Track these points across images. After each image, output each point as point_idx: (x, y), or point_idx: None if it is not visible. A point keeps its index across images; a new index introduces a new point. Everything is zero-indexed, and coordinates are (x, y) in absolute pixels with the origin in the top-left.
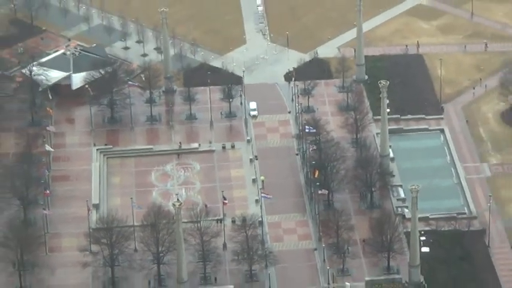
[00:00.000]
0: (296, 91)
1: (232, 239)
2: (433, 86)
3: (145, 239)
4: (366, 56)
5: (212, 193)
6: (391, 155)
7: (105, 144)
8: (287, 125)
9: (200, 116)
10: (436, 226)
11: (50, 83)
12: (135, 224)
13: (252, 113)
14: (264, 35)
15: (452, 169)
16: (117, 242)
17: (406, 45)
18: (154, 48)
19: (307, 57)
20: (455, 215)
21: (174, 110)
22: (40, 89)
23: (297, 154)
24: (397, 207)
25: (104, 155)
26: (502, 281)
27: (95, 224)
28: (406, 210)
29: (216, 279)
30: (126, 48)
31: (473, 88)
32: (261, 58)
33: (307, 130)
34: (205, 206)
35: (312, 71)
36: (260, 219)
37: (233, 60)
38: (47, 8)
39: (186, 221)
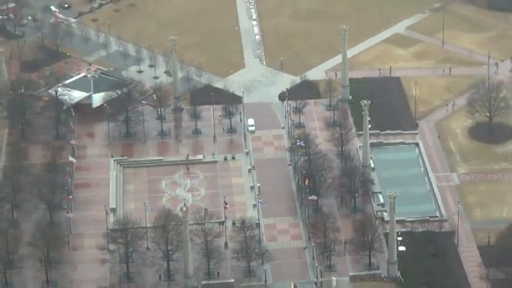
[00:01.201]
0: (289, 109)
1: (233, 239)
2: (409, 105)
3: (156, 239)
4: (350, 79)
5: (215, 199)
6: (372, 165)
7: (121, 156)
8: (281, 139)
9: (205, 131)
10: (411, 228)
11: (73, 102)
12: (148, 225)
13: (250, 128)
14: (261, 60)
15: (426, 178)
16: (132, 241)
17: (379, 69)
18: (165, 72)
19: (298, 79)
20: (428, 218)
21: (181, 125)
22: (64, 107)
23: (289, 164)
24: (377, 211)
25: (120, 165)
26: (469, 276)
27: (112, 225)
28: (385, 213)
29: (218, 274)
30: (140, 71)
31: (447, 105)
32: (258, 80)
33: (298, 143)
34: (205, 209)
35: (303, 92)
36: (257, 221)
37: (233, 82)
38: (71, 36)
39: (192, 223)
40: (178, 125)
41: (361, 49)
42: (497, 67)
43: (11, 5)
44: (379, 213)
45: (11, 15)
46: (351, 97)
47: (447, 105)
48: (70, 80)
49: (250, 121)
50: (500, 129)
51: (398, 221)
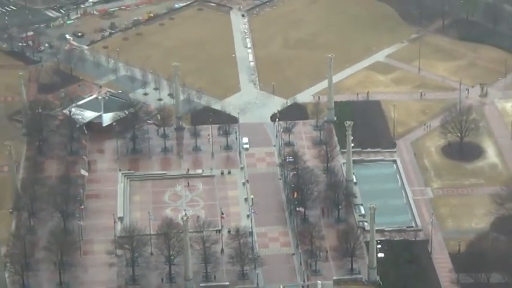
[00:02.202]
0: (279, 129)
1: (228, 246)
2: (388, 125)
3: (159, 245)
4: (335, 102)
5: (212, 209)
6: (354, 180)
7: (128, 170)
8: (272, 156)
9: (204, 148)
10: (389, 236)
11: (85, 121)
12: (152, 233)
13: (245, 146)
14: (255, 84)
15: (403, 191)
16: (137, 247)
17: (361, 93)
18: (168, 94)
19: (288, 102)
20: (404, 228)
21: (183, 143)
22: (77, 126)
23: (279, 179)
24: (358, 221)
25: (127, 178)
26: (441, 280)
27: (119, 232)
28: (365, 223)
29: (215, 277)
30: (146, 94)
31: (423, 126)
32: (252, 103)
33: (288, 160)
34: (198, 217)
35: (292, 113)
36: (250, 230)
37: (230, 104)
38: (84, 61)
39: (191, 231)
40: (179, 143)
41: (345, 75)
42: (468, 92)
43: (30, 33)
44: (361, 223)
45: (30, 43)
46: (335, 118)
47: (423, 126)
48: (82, 101)
49: (245, 139)
50: (470, 148)
51: (377, 231)
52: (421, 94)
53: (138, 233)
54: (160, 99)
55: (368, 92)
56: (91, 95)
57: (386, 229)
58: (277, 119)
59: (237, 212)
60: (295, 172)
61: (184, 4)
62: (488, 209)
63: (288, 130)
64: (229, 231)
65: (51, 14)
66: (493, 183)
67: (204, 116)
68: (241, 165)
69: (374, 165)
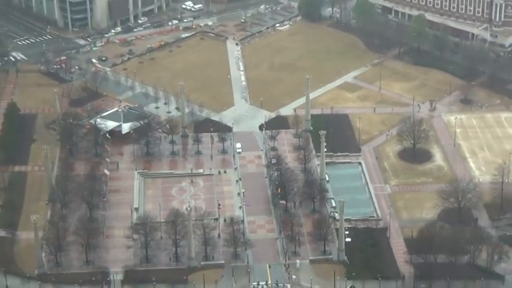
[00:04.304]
0: (266, 136)
1: (224, 231)
2: (354, 134)
3: (167, 231)
4: (311, 114)
5: (211, 201)
6: (327, 178)
7: (143, 169)
8: (260, 159)
9: (204, 152)
10: (355, 225)
11: (107, 129)
12: (161, 220)
13: (238, 150)
14: (246, 100)
15: (366, 188)
16: (150, 232)
17: (332, 107)
18: (175, 108)
19: (273, 115)
20: (368, 218)
21: (187, 148)
22: (101, 133)
23: (266, 177)
24: (330, 212)
25: (142, 176)
26: (397, 260)
27: (135, 220)
28: (336, 214)
29: (213, 257)
30: (157, 107)
31: (384, 134)
32: (243, 115)
33: (272, 162)
34: (189, 207)
35: (277, 124)
36: (242, 218)
37: (226, 116)
38: (107, 81)
39: (194, 219)
40: (185, 147)
41: (319, 93)
42: (419, 108)
43: (63, 57)
44: (332, 213)
45: (63, 65)
46: (311, 128)
47: (384, 134)
48: (106, 113)
49: (238, 145)
50: (421, 153)
51: (346, 220)
52: (374, 109)
53: (150, 221)
54: (169, 112)
55: (332, 108)
56: (113, 108)
57: (353, 218)
58: (264, 129)
59: (231, 204)
60: (278, 172)
61: (189, 35)
62: (436, 202)
63: (272, 137)
64: (224, 220)
65: (81, 42)
66: (440, 182)
67: (204, 125)
68: (235, 166)
69: (343, 166)
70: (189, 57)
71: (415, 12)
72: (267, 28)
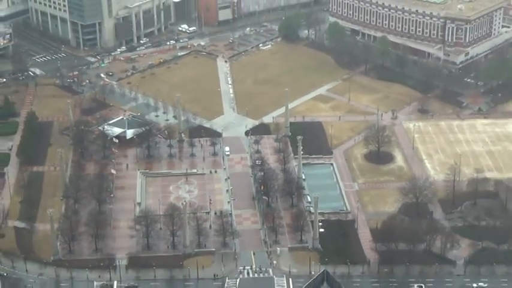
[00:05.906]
0: (251, 141)
1: (215, 223)
2: (327, 139)
3: (166, 222)
4: (290, 122)
5: (203, 197)
6: (303, 177)
7: (145, 169)
8: (246, 160)
9: (197, 154)
10: (328, 217)
11: (114, 135)
12: (161, 214)
13: (227, 153)
14: (234, 110)
15: (337, 185)
16: (150, 223)
17: (303, 116)
18: (173, 116)
19: (257, 122)
20: (338, 211)
21: (183, 150)
22: (108, 138)
23: (251, 176)
24: (306, 206)
25: (144, 175)
26: (364, 248)
27: (138, 213)
28: (311, 208)
29: (205, 245)
30: (157, 116)
31: (352, 139)
32: (231, 122)
33: (256, 163)
34: (185, 202)
35: (260, 130)
36: (230, 212)
37: (216, 124)
38: (113, 93)
39: (189, 212)
40: (181, 150)
41: (297, 103)
42: (383, 116)
43: (75, 72)
44: (307, 207)
45: (75, 79)
46: (290, 134)
47: (353, 139)
48: (112, 121)
49: (227, 148)
50: (385, 155)
51: (319, 213)
52: (339, 117)
53: (151, 214)
54: (167, 120)
55: (304, 116)
56: (118, 117)
57: (326, 212)
58: (249, 134)
59: (221, 199)
60: (262, 171)
61: (185, 53)
62: (397, 198)
63: (256, 142)
64: (215, 213)
65: (91, 59)
66: (400, 180)
67: (198, 132)
68: (224, 167)
69: (317, 167)
70: (184, 72)
71: (379, 34)
72: (252, 48)
